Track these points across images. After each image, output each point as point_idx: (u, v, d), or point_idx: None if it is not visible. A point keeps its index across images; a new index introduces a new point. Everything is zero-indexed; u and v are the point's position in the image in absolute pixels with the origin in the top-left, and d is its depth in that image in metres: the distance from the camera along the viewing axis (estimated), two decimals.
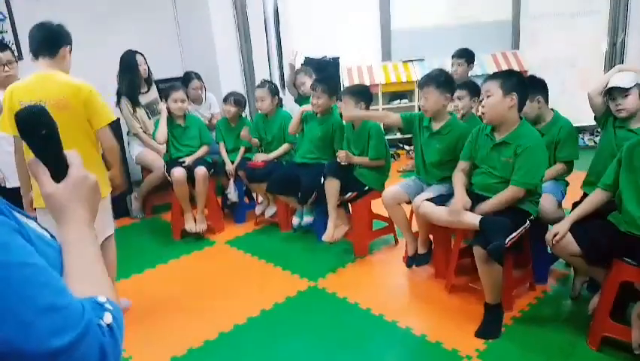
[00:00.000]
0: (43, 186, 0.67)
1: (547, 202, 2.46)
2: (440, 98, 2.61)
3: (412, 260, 2.79)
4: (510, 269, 2.35)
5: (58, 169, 0.68)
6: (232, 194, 3.82)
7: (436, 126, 2.69)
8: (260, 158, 3.64)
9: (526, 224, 2.30)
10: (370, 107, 3.16)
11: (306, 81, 3.87)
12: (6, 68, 2.80)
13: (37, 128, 0.66)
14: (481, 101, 2.40)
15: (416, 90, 5.07)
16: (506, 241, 2.14)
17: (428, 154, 2.74)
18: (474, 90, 3.02)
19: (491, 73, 2.59)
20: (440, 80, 2.61)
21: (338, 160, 3.07)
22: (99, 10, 4.38)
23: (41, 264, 0.54)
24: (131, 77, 3.87)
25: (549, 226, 2.57)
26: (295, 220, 3.55)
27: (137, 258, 3.29)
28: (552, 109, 2.68)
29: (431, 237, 2.74)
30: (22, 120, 0.66)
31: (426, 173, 2.79)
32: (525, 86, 2.30)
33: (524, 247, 2.44)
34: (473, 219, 2.26)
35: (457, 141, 2.62)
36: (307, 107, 3.46)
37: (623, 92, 2.31)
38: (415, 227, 2.81)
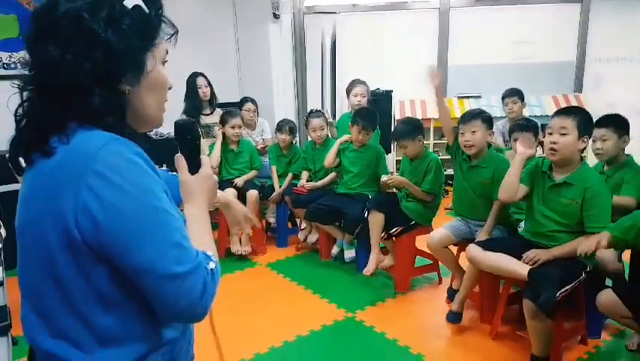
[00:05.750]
0: (181, 175, 0.91)
1: (607, 253, 2.29)
2: (485, 134, 2.60)
3: (454, 292, 2.71)
4: (561, 322, 2.21)
5: (194, 166, 0.92)
6: (272, 217, 3.94)
7: (474, 161, 2.68)
8: (306, 185, 3.68)
9: (581, 277, 2.16)
10: (422, 142, 3.10)
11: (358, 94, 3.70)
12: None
13: (185, 134, 0.94)
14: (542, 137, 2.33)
15: None
16: (557, 295, 2.01)
17: (469, 188, 2.69)
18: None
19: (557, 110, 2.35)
20: (485, 116, 2.63)
21: (382, 182, 3.05)
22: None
23: (177, 215, 0.76)
24: (191, 98, 4.06)
25: (606, 278, 2.40)
26: (335, 250, 3.54)
27: None
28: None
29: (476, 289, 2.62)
30: (178, 126, 0.95)
31: (468, 210, 2.73)
32: (592, 128, 2.24)
33: (578, 300, 2.29)
34: (522, 269, 2.14)
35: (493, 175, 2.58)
36: (344, 139, 3.45)
37: None
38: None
